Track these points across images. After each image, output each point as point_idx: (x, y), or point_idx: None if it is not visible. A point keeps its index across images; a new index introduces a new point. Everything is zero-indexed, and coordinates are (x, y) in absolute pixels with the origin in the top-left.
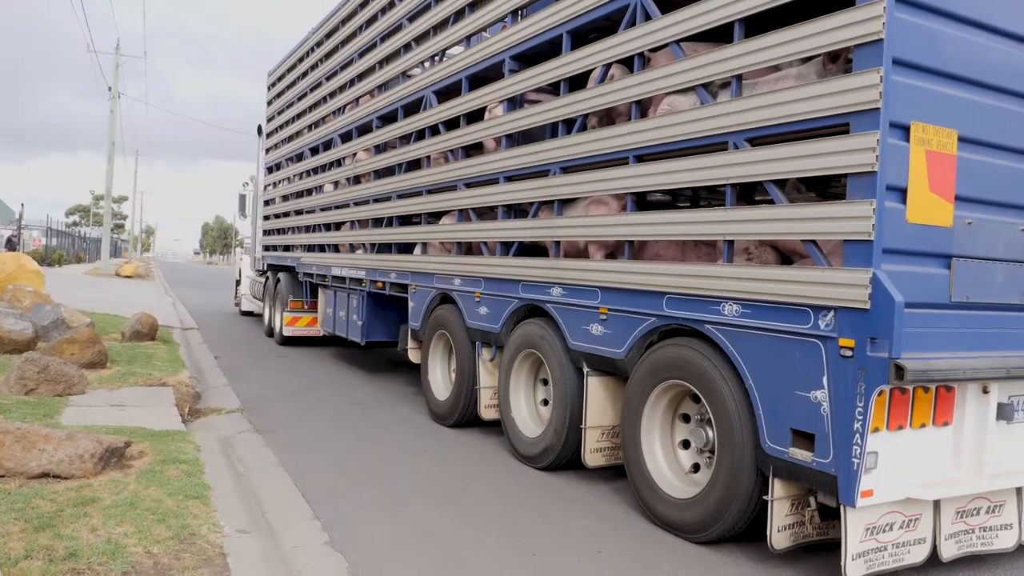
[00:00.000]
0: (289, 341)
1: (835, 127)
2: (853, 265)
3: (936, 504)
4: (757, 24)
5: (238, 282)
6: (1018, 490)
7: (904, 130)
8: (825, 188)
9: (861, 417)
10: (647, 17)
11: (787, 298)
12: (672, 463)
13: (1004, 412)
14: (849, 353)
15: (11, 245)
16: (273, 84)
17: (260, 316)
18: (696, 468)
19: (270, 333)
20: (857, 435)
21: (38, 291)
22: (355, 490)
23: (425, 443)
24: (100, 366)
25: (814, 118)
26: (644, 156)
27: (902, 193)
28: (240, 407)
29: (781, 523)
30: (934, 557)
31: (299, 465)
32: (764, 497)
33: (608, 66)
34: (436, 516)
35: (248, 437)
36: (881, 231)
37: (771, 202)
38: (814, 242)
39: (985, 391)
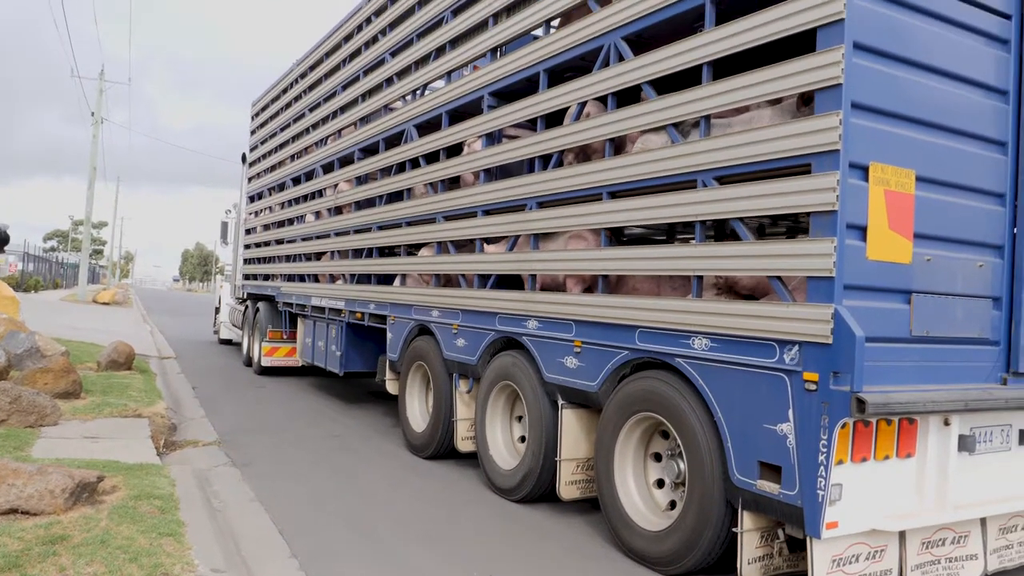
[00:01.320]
0: (267, 371)
1: (798, 167)
2: (816, 301)
3: (902, 535)
4: (726, 66)
5: (217, 310)
6: (982, 520)
7: (863, 170)
8: (796, 225)
9: (825, 450)
10: (620, 58)
11: (754, 333)
12: (645, 496)
13: (966, 444)
14: (813, 387)
15: None
16: (257, 114)
17: (239, 345)
18: (672, 505)
19: (248, 363)
20: (821, 467)
21: (13, 318)
22: (333, 527)
23: (404, 477)
24: (74, 396)
25: (778, 158)
26: (617, 192)
27: (862, 231)
28: (217, 440)
29: (751, 555)
30: None
31: (276, 501)
32: (734, 529)
33: (583, 104)
34: (414, 554)
35: (225, 471)
36: (842, 268)
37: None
38: (779, 278)
39: (946, 423)
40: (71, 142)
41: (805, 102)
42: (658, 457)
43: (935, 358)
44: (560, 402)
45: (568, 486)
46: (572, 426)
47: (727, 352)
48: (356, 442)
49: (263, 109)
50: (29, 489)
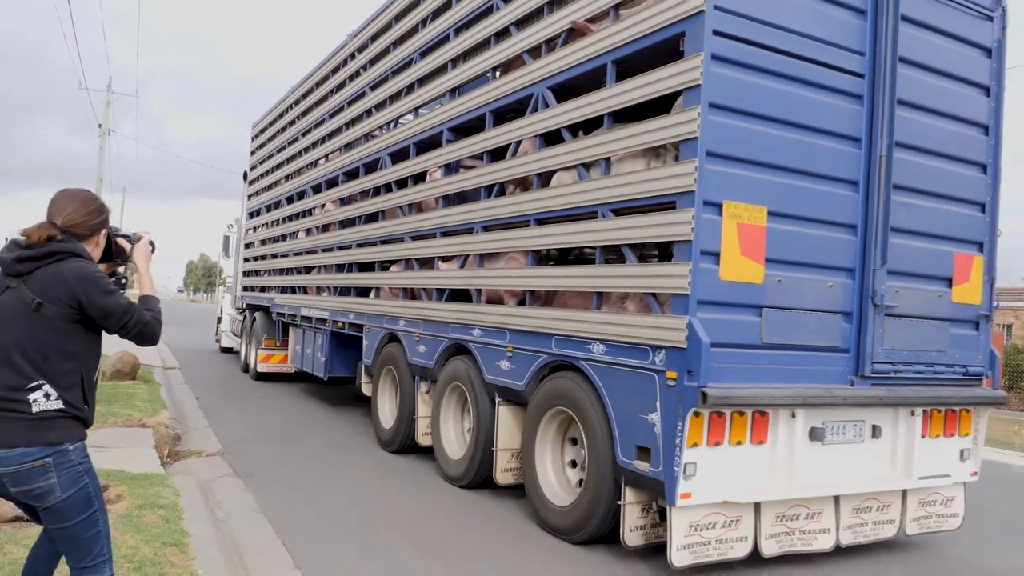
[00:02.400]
0: (262, 377)
1: (668, 204)
2: (676, 313)
3: (757, 508)
4: (629, 115)
5: (219, 319)
6: (836, 499)
7: (718, 207)
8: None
9: (680, 434)
10: (547, 105)
11: (634, 340)
12: (560, 477)
13: (816, 434)
14: (672, 383)
15: None
16: (256, 135)
17: (239, 353)
18: (581, 483)
19: (245, 369)
20: (678, 448)
21: None
22: (336, 536)
23: (402, 485)
24: None
25: (654, 196)
26: (542, 220)
27: (716, 257)
28: (220, 450)
29: (632, 524)
30: (758, 554)
31: (280, 510)
32: (618, 502)
33: (519, 142)
34: (417, 562)
35: (228, 481)
36: (696, 287)
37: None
38: (654, 295)
39: (793, 416)
40: (77, 154)
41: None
42: (575, 441)
43: (786, 362)
44: (497, 400)
45: (504, 472)
46: (507, 420)
47: (617, 355)
48: (357, 451)
49: (261, 131)
50: None
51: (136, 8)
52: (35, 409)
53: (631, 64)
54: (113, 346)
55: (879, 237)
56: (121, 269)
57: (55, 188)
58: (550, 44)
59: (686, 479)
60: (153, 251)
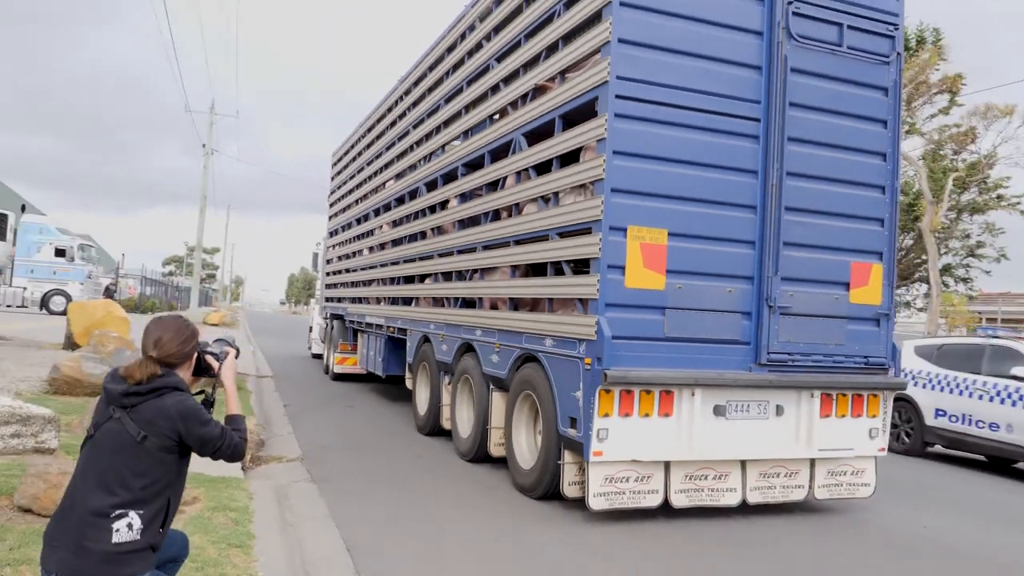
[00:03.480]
0: (339, 377)
1: (587, 229)
2: (591, 313)
3: (667, 468)
4: (571, 158)
5: (311, 328)
6: (742, 464)
7: (623, 231)
8: None
9: (593, 406)
10: (521, 148)
11: (568, 334)
12: (530, 446)
13: (720, 411)
14: (588, 367)
15: (108, 293)
16: (335, 163)
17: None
18: None
19: (326, 371)
20: (592, 417)
21: (122, 337)
22: (401, 547)
23: (474, 498)
24: None
25: (580, 223)
26: (518, 241)
27: (622, 269)
28: (300, 456)
29: (569, 480)
30: (669, 504)
31: (350, 517)
32: (559, 462)
33: (505, 178)
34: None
35: (303, 486)
36: (603, 293)
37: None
38: (581, 299)
39: (692, 394)
40: (188, 173)
41: None
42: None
43: (692, 351)
44: (490, 387)
45: (496, 446)
46: (497, 404)
47: (559, 347)
48: (437, 462)
49: (338, 160)
50: None
51: (238, 36)
52: (114, 539)
53: (576, 117)
54: None
55: (773, 250)
56: (209, 389)
57: (174, 207)
58: (524, 99)
59: (599, 441)
60: (237, 356)
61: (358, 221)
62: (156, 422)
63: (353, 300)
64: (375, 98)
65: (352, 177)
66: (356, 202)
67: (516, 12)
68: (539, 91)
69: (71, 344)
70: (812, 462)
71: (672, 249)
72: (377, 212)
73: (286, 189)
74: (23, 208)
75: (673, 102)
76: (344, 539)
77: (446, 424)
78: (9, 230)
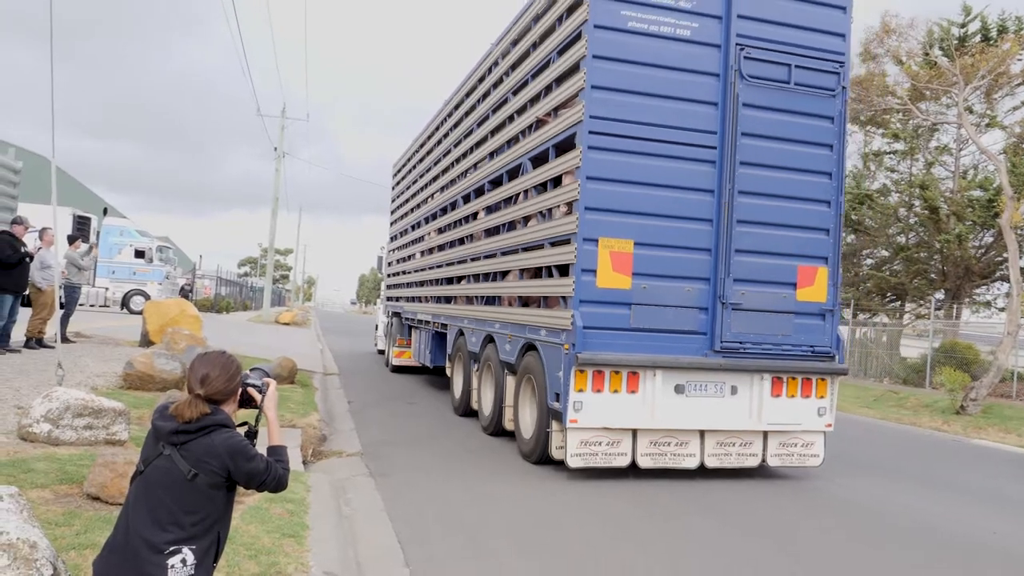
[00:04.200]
0: (397, 369)
1: (567, 240)
2: (569, 308)
3: (634, 434)
4: (560, 182)
5: (376, 327)
6: (701, 433)
7: (595, 242)
8: None
9: (570, 383)
10: (526, 171)
11: (555, 326)
12: (532, 420)
13: (680, 389)
14: (567, 352)
15: (183, 292)
16: (394, 174)
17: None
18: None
19: (386, 364)
20: (569, 392)
21: (194, 334)
22: (451, 539)
23: (525, 492)
24: None
25: (563, 235)
26: (526, 248)
27: (593, 273)
28: (360, 451)
29: (557, 444)
30: (637, 466)
31: (403, 511)
32: (548, 430)
33: (518, 194)
34: (521, 568)
35: (361, 480)
36: (578, 292)
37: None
38: (564, 297)
39: (655, 375)
40: (263, 176)
41: None
42: None
43: (657, 340)
44: (505, 372)
45: (508, 421)
46: (510, 386)
47: (550, 336)
48: (490, 459)
49: (397, 172)
50: None
51: (308, 42)
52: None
53: (564, 146)
54: (284, 353)
55: (726, 256)
56: (252, 421)
57: (248, 209)
58: (529, 129)
59: (575, 411)
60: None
61: (412, 228)
62: (206, 460)
63: (408, 299)
64: (440, 97)
65: (408, 188)
66: (411, 211)
67: (525, 55)
68: (539, 123)
69: (146, 341)
70: (765, 434)
71: (638, 256)
72: (427, 220)
73: (356, 191)
74: (105, 211)
75: (639, 135)
76: (396, 531)
77: (475, 406)
78: (92, 232)
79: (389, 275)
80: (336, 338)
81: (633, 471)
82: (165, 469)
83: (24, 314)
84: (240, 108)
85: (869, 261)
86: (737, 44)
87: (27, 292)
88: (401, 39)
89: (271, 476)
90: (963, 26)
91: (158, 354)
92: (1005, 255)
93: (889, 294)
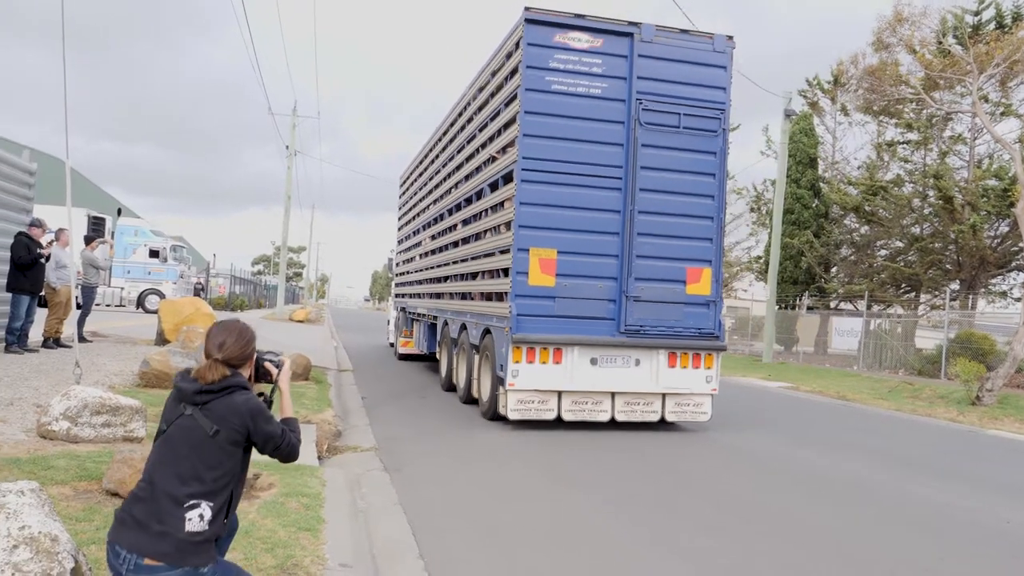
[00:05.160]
0: (403, 357)
1: (508, 249)
2: (509, 301)
3: (559, 395)
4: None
5: (388, 322)
6: (612, 395)
7: (527, 251)
8: None
9: (508, 356)
10: (486, 193)
11: (501, 314)
12: (488, 387)
13: (594, 361)
14: (507, 333)
15: (196, 291)
16: (400, 185)
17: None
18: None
19: (395, 353)
20: (508, 363)
21: None
22: (465, 531)
23: (536, 483)
24: None
25: (506, 246)
26: (486, 255)
27: (526, 274)
28: (374, 446)
29: (503, 404)
30: (562, 419)
31: (417, 504)
32: (496, 393)
33: (482, 212)
34: (533, 558)
35: (376, 475)
36: (514, 288)
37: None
38: (506, 292)
39: (573, 350)
40: (277, 175)
41: None
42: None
43: (573, 324)
44: (473, 352)
45: (476, 391)
46: (476, 363)
47: (498, 322)
48: (502, 452)
49: (402, 183)
50: None
51: (318, 39)
52: (187, 528)
53: (508, 177)
54: (298, 350)
55: (629, 260)
56: (267, 391)
57: (262, 208)
58: (488, 161)
59: (512, 377)
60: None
61: (413, 234)
62: (228, 418)
63: (410, 296)
64: (452, 93)
65: (410, 198)
66: (412, 219)
67: (486, 102)
68: (493, 158)
69: (162, 340)
70: (663, 396)
71: (560, 261)
72: (423, 228)
73: (369, 188)
74: (119, 212)
75: (561, 171)
76: (410, 524)
77: (455, 381)
78: (107, 232)
79: (397, 275)
80: (350, 334)
81: (560, 423)
82: (188, 428)
83: (41, 314)
84: (253, 107)
85: (883, 252)
86: (637, 99)
87: (43, 292)
88: (412, 33)
89: (285, 442)
90: (977, 13)
91: (174, 352)
92: (1021, 244)
93: (904, 285)
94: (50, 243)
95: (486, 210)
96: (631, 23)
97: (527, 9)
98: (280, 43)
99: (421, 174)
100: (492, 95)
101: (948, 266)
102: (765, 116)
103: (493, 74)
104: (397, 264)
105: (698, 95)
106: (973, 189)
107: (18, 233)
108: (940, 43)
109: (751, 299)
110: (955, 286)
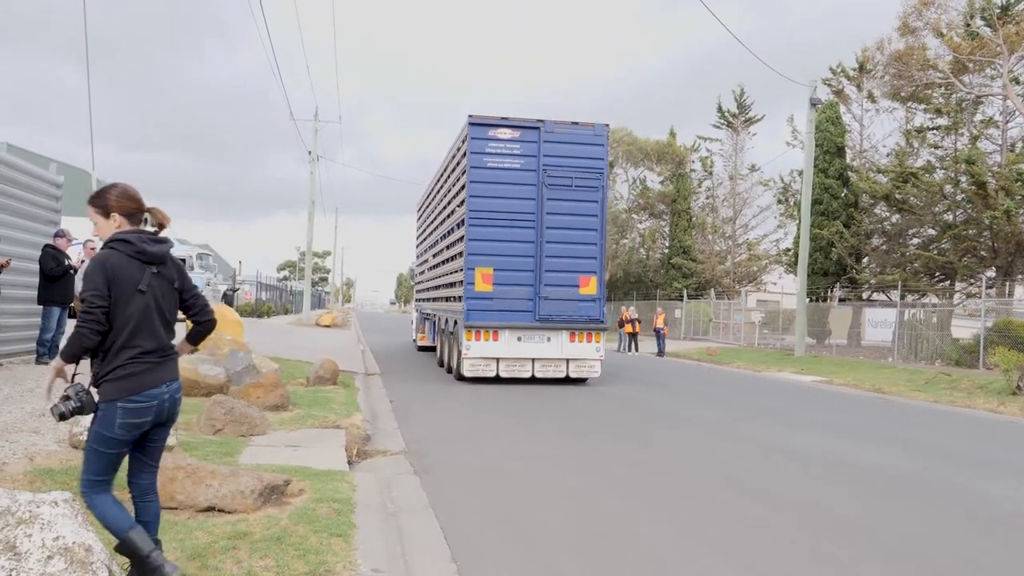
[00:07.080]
0: (420, 348)
1: (462, 268)
2: (462, 302)
3: (498, 361)
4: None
5: (412, 322)
6: (532, 360)
7: (473, 270)
8: None
9: (462, 336)
10: (454, 231)
11: (459, 311)
12: (457, 359)
13: (520, 339)
14: (462, 321)
15: (226, 298)
16: (417, 210)
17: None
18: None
19: (415, 345)
20: (462, 340)
21: (236, 339)
22: (496, 535)
23: (566, 483)
24: (282, 408)
25: (461, 267)
26: (456, 271)
27: (473, 285)
28: (404, 449)
29: (463, 367)
30: (500, 376)
31: (449, 507)
32: (458, 360)
33: (458, 240)
34: (562, 560)
35: (406, 479)
36: (466, 293)
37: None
38: (461, 296)
39: (506, 332)
40: (301, 180)
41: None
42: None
43: (505, 315)
44: (451, 336)
45: (454, 364)
46: (449, 343)
47: (458, 316)
48: (529, 455)
49: (418, 208)
50: (224, 490)
51: (338, 43)
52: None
53: (463, 221)
54: (323, 355)
55: (540, 273)
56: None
57: (289, 213)
58: (457, 207)
59: (466, 350)
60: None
61: (423, 252)
62: (179, 270)
63: (423, 300)
64: (473, 94)
65: (421, 224)
66: (422, 240)
67: (453, 169)
68: (454, 210)
69: None
70: (567, 361)
71: (496, 274)
72: (429, 247)
73: (393, 190)
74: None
75: (496, 217)
76: (442, 527)
77: (442, 359)
78: None
79: (416, 283)
80: (376, 336)
81: (498, 380)
82: (160, 284)
83: (71, 325)
84: (275, 113)
85: (915, 240)
86: (544, 168)
87: (72, 304)
88: (432, 33)
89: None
90: None
91: (202, 360)
92: None
93: (938, 274)
94: (80, 260)
95: (454, 242)
96: (539, 120)
97: (470, 115)
98: (300, 47)
99: (427, 207)
100: (455, 169)
101: (983, 253)
102: (790, 106)
103: (459, 147)
104: (416, 274)
105: (584, 164)
106: (1006, 173)
107: (45, 246)
108: (968, 25)
109: (781, 292)
110: (991, 273)
